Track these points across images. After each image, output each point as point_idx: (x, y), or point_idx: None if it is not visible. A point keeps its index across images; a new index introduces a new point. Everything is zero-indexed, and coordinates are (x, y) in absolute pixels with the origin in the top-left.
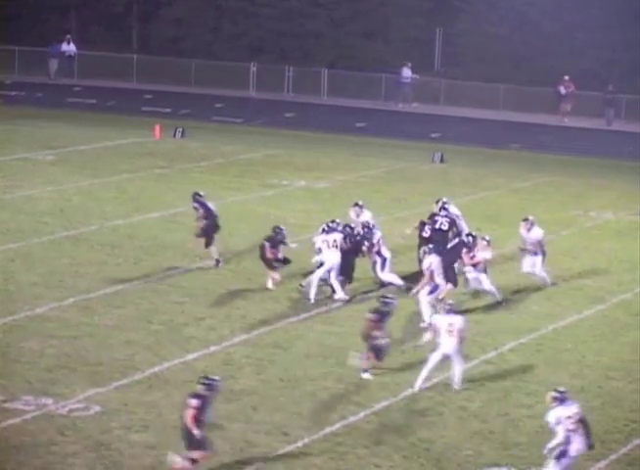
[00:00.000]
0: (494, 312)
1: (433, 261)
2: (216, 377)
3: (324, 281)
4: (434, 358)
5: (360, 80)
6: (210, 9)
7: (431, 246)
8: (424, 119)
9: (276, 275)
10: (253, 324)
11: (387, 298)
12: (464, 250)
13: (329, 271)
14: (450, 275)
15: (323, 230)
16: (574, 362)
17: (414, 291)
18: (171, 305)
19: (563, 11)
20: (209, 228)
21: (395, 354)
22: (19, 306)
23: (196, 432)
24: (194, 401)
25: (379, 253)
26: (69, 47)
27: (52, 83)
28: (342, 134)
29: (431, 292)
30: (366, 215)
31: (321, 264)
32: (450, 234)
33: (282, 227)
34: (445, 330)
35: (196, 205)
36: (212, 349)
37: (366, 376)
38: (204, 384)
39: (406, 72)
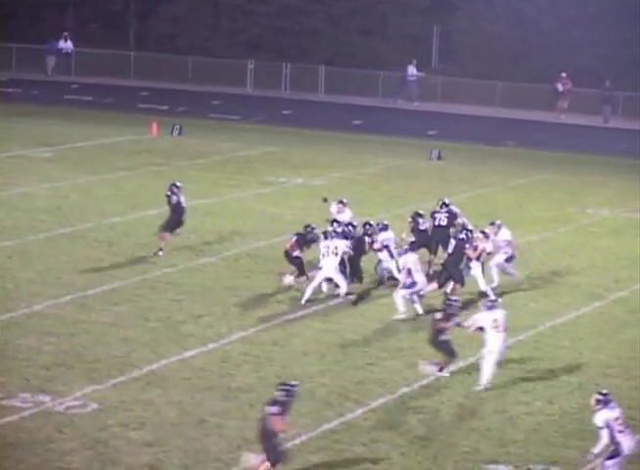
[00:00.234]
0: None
1: (408, 260)
2: (294, 382)
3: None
4: (489, 358)
5: (357, 78)
6: (208, 6)
7: (406, 246)
8: (421, 117)
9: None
10: (251, 321)
11: (451, 300)
12: (466, 246)
13: (327, 278)
14: (456, 274)
15: (325, 236)
16: (572, 359)
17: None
18: (169, 303)
19: (560, 8)
20: (172, 221)
21: (393, 352)
22: (16, 304)
23: (278, 440)
24: (274, 409)
25: (389, 252)
26: (67, 44)
27: (49, 80)
28: (339, 131)
29: (407, 287)
30: (347, 214)
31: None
32: (452, 230)
33: (314, 226)
34: (491, 327)
35: (169, 193)
36: (210, 346)
37: (443, 374)
38: (282, 390)
39: (411, 70)
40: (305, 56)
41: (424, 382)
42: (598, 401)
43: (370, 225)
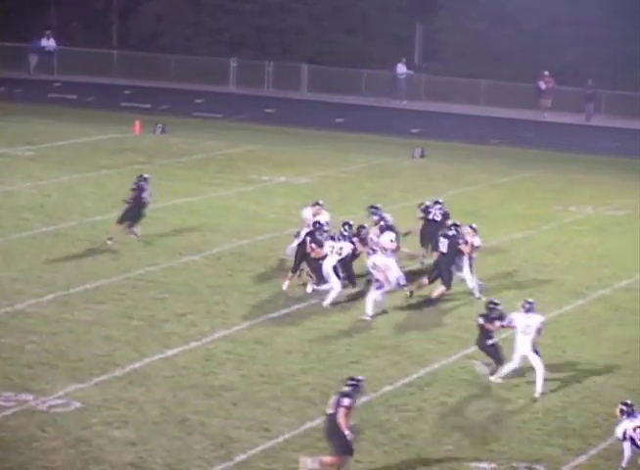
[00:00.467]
0: (476, 308)
1: (375, 261)
2: (360, 377)
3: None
4: (515, 361)
5: (340, 76)
6: (190, 4)
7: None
8: (404, 115)
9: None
10: (234, 320)
11: (493, 302)
12: (459, 241)
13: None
14: (446, 276)
15: (332, 237)
16: (555, 357)
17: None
18: (151, 301)
19: (542, 6)
20: (130, 212)
21: (376, 350)
22: None
23: (347, 433)
24: (347, 401)
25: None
26: (49, 43)
27: (32, 79)
28: (322, 130)
29: (379, 287)
30: (325, 216)
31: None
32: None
33: (322, 223)
34: (522, 331)
35: (134, 186)
36: (193, 344)
37: (494, 379)
38: (351, 384)
39: (401, 68)
40: (288, 54)
41: (407, 380)
42: (622, 412)
43: (349, 226)
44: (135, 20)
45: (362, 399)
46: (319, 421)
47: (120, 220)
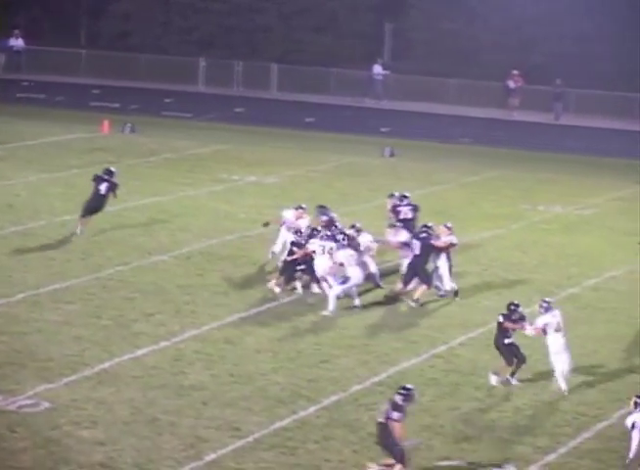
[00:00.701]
0: (444, 307)
1: (340, 255)
2: (411, 386)
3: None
4: (558, 361)
5: (309, 75)
6: (159, 4)
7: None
8: (374, 114)
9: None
10: (203, 319)
11: (513, 304)
12: (431, 241)
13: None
14: (423, 276)
15: (321, 236)
16: None
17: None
18: (121, 301)
19: (511, 5)
20: (88, 204)
21: (346, 349)
22: None
23: (405, 443)
24: (396, 415)
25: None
26: (18, 42)
27: (0, 78)
28: (291, 129)
29: (342, 283)
30: (306, 220)
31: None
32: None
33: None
34: (554, 328)
35: (95, 177)
36: (162, 344)
37: (514, 382)
38: (402, 394)
39: (377, 69)
40: (257, 53)
41: (376, 379)
42: (635, 404)
43: (317, 231)
44: (104, 19)
45: (332, 399)
46: (289, 421)
47: (83, 213)
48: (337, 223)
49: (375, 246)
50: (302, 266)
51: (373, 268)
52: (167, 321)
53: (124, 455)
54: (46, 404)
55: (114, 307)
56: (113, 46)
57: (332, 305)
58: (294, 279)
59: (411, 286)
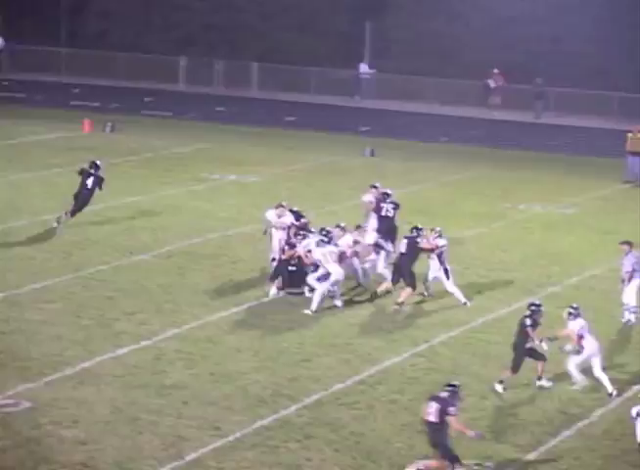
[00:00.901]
0: (425, 305)
1: (319, 251)
2: (456, 382)
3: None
4: (595, 364)
5: (290, 74)
6: (139, 2)
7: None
8: (354, 113)
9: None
10: (184, 318)
11: (534, 304)
12: (418, 240)
13: (334, 284)
14: (409, 279)
15: (318, 243)
16: (505, 355)
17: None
18: (102, 300)
19: (492, 5)
20: (77, 199)
21: (327, 348)
22: None
23: (471, 433)
24: (453, 410)
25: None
26: None
27: None
28: (272, 128)
29: (322, 279)
30: (288, 218)
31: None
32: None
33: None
34: (588, 333)
35: (81, 170)
36: (143, 343)
37: (543, 383)
38: (449, 391)
39: (363, 68)
40: (238, 52)
41: (357, 378)
42: None
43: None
44: (84, 18)
45: (313, 398)
46: (270, 420)
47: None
48: (309, 227)
49: (357, 245)
50: (294, 267)
51: (357, 267)
52: (148, 320)
53: (105, 455)
54: (27, 404)
55: (94, 307)
56: (93, 45)
57: (315, 303)
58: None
59: (384, 286)
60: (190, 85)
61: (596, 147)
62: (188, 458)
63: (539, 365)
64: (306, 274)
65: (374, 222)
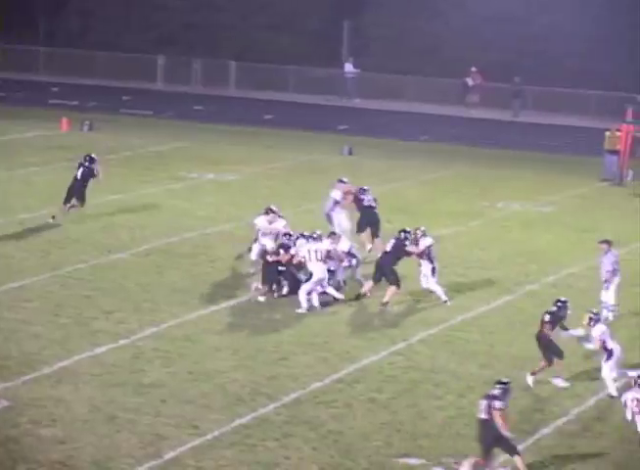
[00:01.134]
0: (403, 304)
1: (304, 250)
2: (507, 379)
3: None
4: (612, 366)
5: (268, 72)
6: (118, 1)
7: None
8: (332, 112)
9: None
10: (163, 317)
11: (560, 301)
12: (406, 243)
13: (319, 284)
14: (392, 277)
15: (307, 238)
16: (483, 353)
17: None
18: (80, 299)
19: (471, 3)
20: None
21: (305, 347)
22: None
23: (508, 433)
24: (498, 403)
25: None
26: None
27: None
28: (250, 126)
29: (306, 280)
30: (281, 223)
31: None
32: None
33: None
34: (610, 337)
35: (78, 163)
36: (121, 342)
37: (559, 383)
38: (500, 387)
39: (348, 67)
40: (216, 51)
41: (335, 377)
42: (635, 382)
43: (290, 235)
44: (62, 16)
45: (291, 396)
46: (249, 418)
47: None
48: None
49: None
50: (283, 268)
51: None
52: (126, 319)
53: (84, 453)
54: (5, 403)
55: (72, 305)
56: (71, 44)
57: (303, 302)
58: (275, 281)
59: (367, 287)
60: (168, 84)
61: (573, 145)
62: (166, 457)
63: (558, 365)
64: (295, 276)
65: (344, 221)
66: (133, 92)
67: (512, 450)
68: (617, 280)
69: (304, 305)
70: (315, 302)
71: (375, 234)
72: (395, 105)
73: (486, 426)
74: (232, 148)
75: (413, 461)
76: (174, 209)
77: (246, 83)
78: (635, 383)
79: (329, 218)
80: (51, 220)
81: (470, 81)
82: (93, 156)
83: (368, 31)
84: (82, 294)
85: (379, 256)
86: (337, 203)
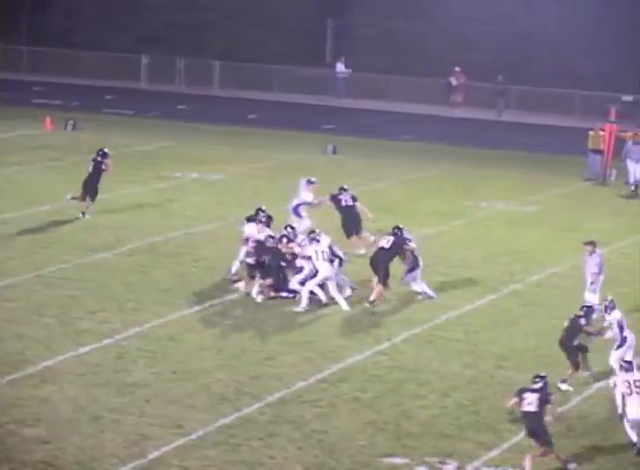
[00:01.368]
0: (387, 303)
1: (310, 249)
2: (543, 373)
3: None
4: (622, 354)
5: (252, 72)
6: (102, 0)
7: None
8: (316, 111)
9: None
10: (147, 317)
11: (586, 306)
12: (407, 243)
13: (323, 282)
14: (382, 273)
15: (311, 240)
16: (467, 352)
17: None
18: (64, 299)
19: (455, 3)
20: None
21: (290, 346)
22: None
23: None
24: (553, 398)
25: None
26: None
27: None
28: (234, 126)
29: (311, 277)
30: (266, 232)
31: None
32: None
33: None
34: (625, 326)
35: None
36: (105, 342)
37: (568, 388)
38: (540, 381)
39: (340, 67)
40: (199, 50)
41: (320, 376)
42: (620, 367)
43: (292, 228)
44: (46, 15)
45: (275, 396)
46: (233, 418)
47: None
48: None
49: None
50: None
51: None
52: (111, 319)
53: (67, 453)
54: None
55: (56, 305)
56: (54, 42)
57: (304, 300)
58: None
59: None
60: (152, 83)
61: (557, 145)
62: (150, 457)
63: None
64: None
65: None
66: (117, 91)
67: (546, 441)
68: (601, 279)
69: (304, 303)
70: (322, 296)
71: (357, 232)
72: (379, 104)
73: (537, 418)
74: (216, 147)
75: (397, 460)
76: (158, 208)
77: (230, 83)
78: (622, 367)
79: (296, 213)
80: (81, 217)
81: (454, 81)
82: (106, 150)
83: (352, 31)
84: (66, 294)
85: (362, 252)
86: (307, 204)
